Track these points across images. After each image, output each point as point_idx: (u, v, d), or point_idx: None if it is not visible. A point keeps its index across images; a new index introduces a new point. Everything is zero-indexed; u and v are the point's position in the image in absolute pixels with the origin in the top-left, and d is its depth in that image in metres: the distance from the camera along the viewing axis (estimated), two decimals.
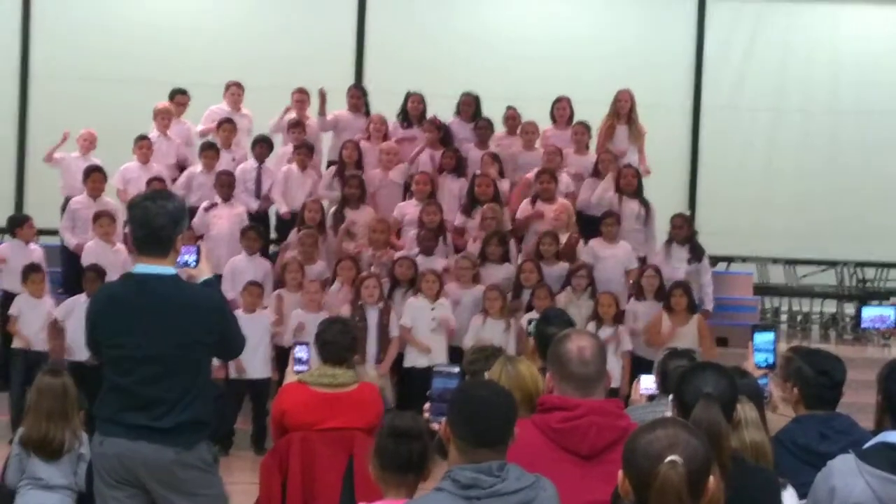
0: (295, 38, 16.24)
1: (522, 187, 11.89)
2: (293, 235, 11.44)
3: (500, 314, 10.47)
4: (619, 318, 10.65)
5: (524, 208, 11.66)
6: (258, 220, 11.96)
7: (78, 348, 9.85)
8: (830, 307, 15.66)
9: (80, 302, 10.24)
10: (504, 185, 11.92)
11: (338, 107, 12.79)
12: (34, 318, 10.58)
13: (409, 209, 11.61)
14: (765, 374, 5.06)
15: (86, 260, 11.01)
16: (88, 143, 12.63)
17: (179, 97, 13.27)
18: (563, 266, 11.10)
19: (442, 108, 12.80)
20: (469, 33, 16.69)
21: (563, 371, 3.95)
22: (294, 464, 6.22)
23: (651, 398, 5.65)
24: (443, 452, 3.74)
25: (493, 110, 12.77)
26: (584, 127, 12.43)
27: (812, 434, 4.66)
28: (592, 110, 12.62)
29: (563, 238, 11.34)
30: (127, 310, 5.00)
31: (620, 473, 2.90)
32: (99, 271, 10.46)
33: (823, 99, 16.82)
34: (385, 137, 12.28)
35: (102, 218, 11.18)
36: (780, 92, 16.88)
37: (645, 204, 11.78)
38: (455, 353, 10.17)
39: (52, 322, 10.58)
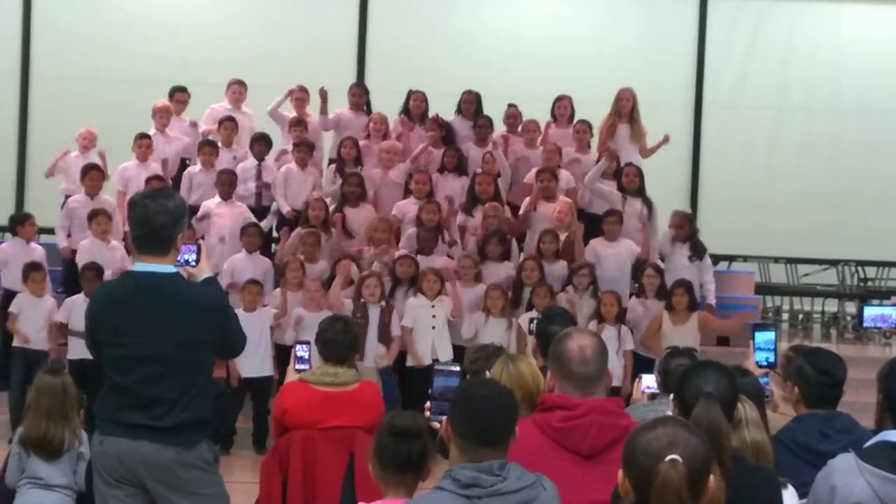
0: (296, 36, 16.24)
1: (525, 191, 11.88)
2: (295, 233, 11.43)
3: (501, 313, 10.47)
4: (621, 317, 10.65)
5: (525, 206, 11.67)
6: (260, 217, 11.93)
7: (80, 346, 9.84)
8: (832, 306, 15.66)
9: (80, 301, 10.24)
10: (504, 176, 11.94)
11: (339, 105, 12.78)
12: (34, 317, 10.57)
13: (409, 208, 11.60)
14: (765, 373, 5.06)
15: (81, 259, 11.00)
16: (88, 142, 12.62)
17: (179, 95, 13.24)
18: (563, 264, 11.09)
19: (443, 107, 12.79)
20: (470, 32, 16.69)
21: (563, 370, 3.95)
22: (295, 463, 6.22)
23: (652, 397, 5.65)
24: (444, 452, 3.74)
25: (494, 109, 12.75)
26: (586, 126, 12.41)
27: (813, 433, 4.66)
28: (594, 109, 12.61)
29: (564, 237, 11.34)
30: (127, 309, 4.99)
31: (620, 473, 2.90)
32: (97, 269, 10.45)
33: (825, 98, 16.81)
34: (385, 137, 12.27)
35: (99, 216, 11.17)
36: (781, 91, 16.87)
37: (647, 202, 11.77)
38: (457, 352, 10.19)
39: (59, 324, 10.57)
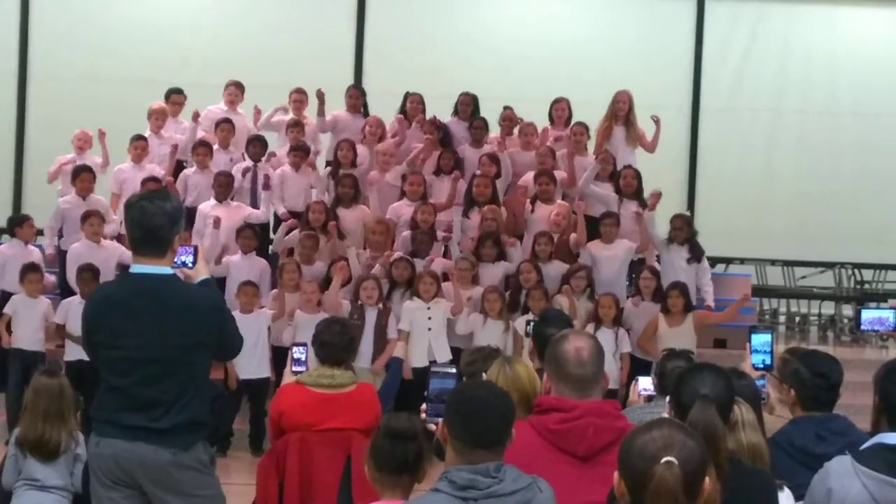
0: (294, 38, 16.25)
1: (521, 193, 11.88)
2: (294, 236, 11.42)
3: (499, 315, 10.48)
4: (618, 319, 10.65)
5: (526, 209, 11.69)
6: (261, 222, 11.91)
7: (77, 348, 9.85)
8: (828, 309, 15.67)
9: (76, 303, 10.23)
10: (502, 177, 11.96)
11: (336, 107, 12.78)
12: (29, 318, 10.57)
13: (403, 210, 11.61)
14: (762, 375, 5.06)
15: (72, 261, 11.01)
16: (83, 143, 12.63)
17: (175, 97, 13.23)
18: (559, 266, 11.09)
19: (441, 109, 12.79)
20: (468, 34, 16.70)
21: (560, 372, 3.95)
22: (291, 465, 6.22)
23: (649, 399, 5.64)
24: (440, 453, 3.74)
25: (492, 111, 12.75)
26: (583, 128, 12.41)
27: (809, 436, 4.66)
28: (592, 111, 12.60)
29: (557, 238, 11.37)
30: (124, 310, 4.98)
31: (616, 474, 2.90)
32: (94, 271, 10.45)
33: (822, 100, 16.83)
34: (381, 139, 12.27)
35: (92, 217, 11.16)
36: (778, 93, 16.89)
37: (644, 205, 11.76)
38: (455, 354, 10.20)
39: (57, 326, 10.57)
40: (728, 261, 15.46)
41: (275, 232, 12.18)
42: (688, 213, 12.91)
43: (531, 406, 4.10)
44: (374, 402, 6.39)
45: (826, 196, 16.61)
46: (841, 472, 3.91)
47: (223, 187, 11.61)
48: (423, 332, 10.47)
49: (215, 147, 12.40)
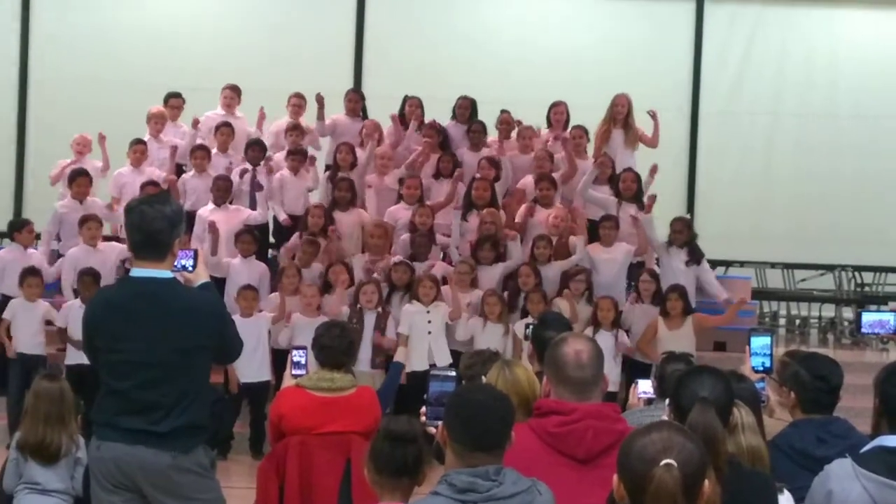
0: (294, 41, 16.26)
1: (518, 196, 11.88)
2: (294, 240, 11.42)
3: (499, 319, 10.48)
4: (617, 322, 10.65)
5: (522, 213, 11.68)
6: (259, 225, 11.91)
7: (78, 351, 9.85)
8: (829, 311, 15.65)
9: (76, 307, 10.23)
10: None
11: (336, 111, 12.79)
12: (29, 322, 10.57)
13: (401, 213, 11.61)
14: (762, 378, 5.06)
15: (69, 265, 11.03)
16: (82, 147, 12.63)
17: (173, 101, 13.24)
18: (557, 268, 11.08)
19: (441, 112, 12.81)
20: (468, 38, 16.70)
21: (559, 375, 3.95)
22: (292, 468, 6.22)
23: (648, 402, 5.64)
24: (440, 457, 3.74)
25: (492, 114, 12.75)
26: (582, 131, 12.41)
27: (809, 438, 4.66)
28: (591, 115, 12.60)
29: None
30: (125, 314, 4.99)
31: (615, 477, 2.90)
32: (94, 275, 10.46)
33: (821, 103, 16.82)
34: (378, 143, 12.27)
35: (89, 222, 11.17)
36: (778, 96, 16.89)
37: (643, 208, 11.76)
38: (454, 357, 10.20)
39: (59, 329, 10.58)
40: (728, 263, 15.45)
41: (273, 235, 12.18)
42: (688, 216, 12.91)
43: (531, 409, 4.10)
44: (373, 406, 6.39)
45: (826, 198, 16.61)
46: (841, 474, 3.92)
47: (221, 191, 11.61)
48: (423, 336, 10.47)
49: (214, 151, 12.40)
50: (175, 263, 5.10)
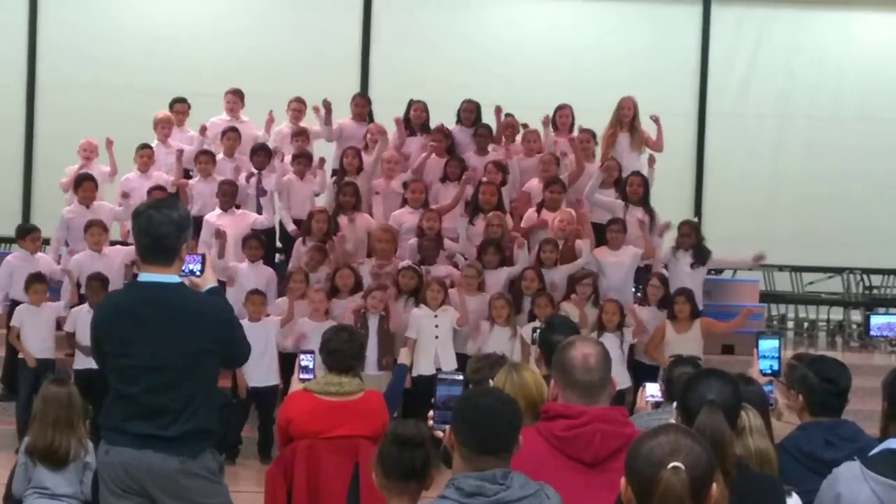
0: (300, 46, 16.28)
1: (524, 199, 11.88)
2: (299, 246, 11.42)
3: (506, 322, 10.49)
4: (622, 325, 10.62)
5: (529, 217, 11.68)
6: (266, 229, 11.91)
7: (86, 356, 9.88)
8: (837, 314, 15.63)
9: (84, 312, 10.26)
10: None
11: (342, 115, 12.80)
12: (37, 327, 10.59)
13: (405, 217, 11.61)
14: (770, 381, 5.06)
15: (74, 271, 11.04)
16: (88, 153, 12.64)
17: (178, 106, 13.24)
18: (563, 272, 11.08)
19: (447, 117, 12.81)
20: (474, 42, 16.70)
21: (567, 378, 3.94)
22: (299, 472, 6.22)
23: (656, 406, 5.64)
24: (448, 461, 3.74)
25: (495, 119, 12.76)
26: (590, 135, 12.42)
27: (817, 441, 4.66)
28: (598, 118, 12.61)
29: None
30: (132, 319, 5.00)
31: (623, 480, 2.90)
32: (102, 280, 10.48)
33: (829, 106, 16.80)
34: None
35: (93, 227, 11.18)
36: (785, 99, 16.87)
37: (650, 212, 11.76)
38: (461, 361, 10.21)
39: (68, 335, 10.59)
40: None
41: (280, 240, 12.18)
42: (695, 220, 12.91)
43: (538, 413, 4.10)
44: (381, 410, 6.39)
45: (834, 201, 16.58)
46: (850, 477, 3.92)
47: (227, 196, 11.61)
48: (430, 340, 10.47)
49: (220, 156, 12.40)
50: (183, 268, 5.11)
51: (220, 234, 11.10)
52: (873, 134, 16.64)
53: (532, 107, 13.00)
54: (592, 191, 11.61)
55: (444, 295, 10.56)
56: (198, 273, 5.18)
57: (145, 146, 12.46)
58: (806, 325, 15.71)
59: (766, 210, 16.57)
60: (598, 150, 12.50)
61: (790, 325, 15.75)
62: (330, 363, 6.36)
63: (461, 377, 4.22)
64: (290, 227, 11.91)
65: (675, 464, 2.76)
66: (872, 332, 6.85)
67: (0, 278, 11.32)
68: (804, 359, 5.03)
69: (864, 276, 16.10)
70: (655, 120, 12.48)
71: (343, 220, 11.46)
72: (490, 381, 4.76)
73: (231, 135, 12.50)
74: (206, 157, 12.16)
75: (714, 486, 2.83)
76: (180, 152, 12.38)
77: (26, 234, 11.50)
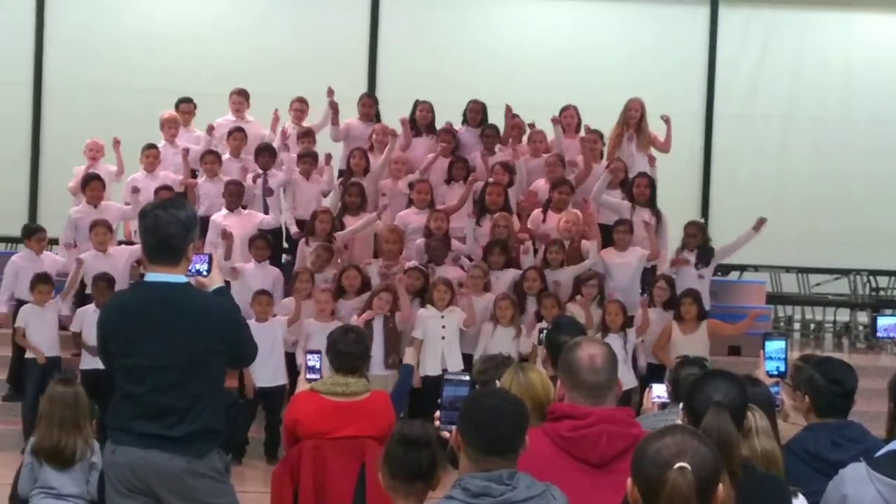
0: (307, 46, 16.27)
1: (531, 200, 11.88)
2: (302, 246, 11.42)
3: (510, 322, 10.48)
4: (626, 326, 10.61)
5: (535, 217, 11.68)
6: (273, 229, 11.91)
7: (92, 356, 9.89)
8: (843, 316, 15.61)
9: (90, 312, 10.27)
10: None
11: (349, 115, 12.81)
12: (42, 326, 10.60)
13: (411, 218, 11.61)
14: (776, 382, 5.05)
15: (82, 271, 11.05)
16: (94, 153, 12.66)
17: (184, 106, 13.24)
18: (570, 273, 11.07)
19: (454, 117, 12.81)
20: (481, 42, 16.69)
21: (573, 379, 3.95)
22: (306, 472, 6.22)
23: (663, 407, 5.64)
24: (454, 461, 3.74)
25: (502, 119, 12.74)
26: (596, 135, 12.41)
27: (824, 442, 4.66)
28: (606, 119, 12.60)
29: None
30: (139, 319, 5.00)
31: (629, 481, 2.90)
32: (108, 280, 10.48)
33: (836, 107, 16.78)
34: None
35: (98, 227, 11.19)
36: (792, 100, 16.85)
37: (657, 213, 11.76)
38: (467, 361, 10.21)
39: (74, 335, 10.61)
40: (742, 268, 15.43)
41: (287, 241, 12.19)
42: (701, 221, 12.90)
43: (545, 413, 4.10)
44: (388, 410, 6.39)
45: (841, 202, 16.56)
46: (856, 478, 3.91)
47: (233, 196, 11.60)
48: (437, 341, 10.47)
49: (226, 156, 12.40)
50: (189, 268, 5.11)
51: (226, 236, 11.11)
52: (881, 135, 16.62)
53: (538, 107, 12.99)
54: (600, 192, 11.60)
55: (451, 295, 10.56)
56: (204, 273, 5.18)
57: (151, 146, 12.47)
58: (812, 326, 15.70)
59: (772, 211, 16.34)
60: (605, 151, 12.49)
61: (797, 326, 15.74)
62: (337, 364, 6.36)
63: (468, 378, 4.22)
64: (293, 230, 11.91)
65: (682, 464, 2.76)
66: (879, 334, 6.83)
67: (6, 278, 11.35)
68: (810, 360, 5.03)
69: (871, 278, 16.09)
70: (666, 120, 12.47)
71: (349, 220, 11.45)
72: (496, 381, 4.76)
73: (237, 135, 12.50)
74: (212, 158, 12.16)
75: (720, 486, 2.83)
76: (186, 151, 12.39)
77: (31, 234, 11.51)
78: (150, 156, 12.37)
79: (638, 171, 11.99)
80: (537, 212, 11.72)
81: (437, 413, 4.13)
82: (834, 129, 16.72)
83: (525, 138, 12.62)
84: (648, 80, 15.20)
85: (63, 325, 10.90)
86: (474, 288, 10.77)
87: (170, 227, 5.00)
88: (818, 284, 16.19)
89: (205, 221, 11.13)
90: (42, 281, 10.70)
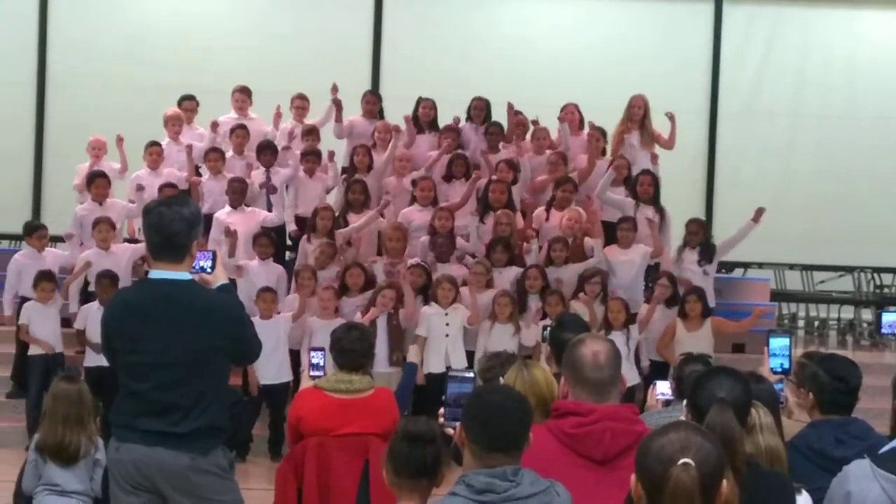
0: (311, 43, 16.29)
1: (535, 195, 11.89)
2: (304, 243, 11.43)
3: (509, 319, 10.48)
4: (628, 323, 10.61)
5: (539, 215, 11.68)
6: (276, 226, 11.92)
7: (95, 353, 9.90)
8: (847, 313, 15.61)
9: (94, 309, 10.28)
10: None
11: (353, 113, 12.81)
12: (44, 323, 10.61)
13: (414, 215, 11.60)
14: (780, 379, 5.05)
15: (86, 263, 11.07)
16: (97, 151, 12.66)
17: (187, 103, 13.24)
18: (574, 270, 11.07)
19: (457, 114, 12.80)
20: (484, 39, 16.71)
21: (577, 376, 3.95)
22: (310, 470, 6.23)
23: (667, 404, 5.64)
24: (458, 458, 3.74)
25: (506, 116, 12.74)
26: (600, 133, 12.41)
27: (828, 439, 4.65)
28: (609, 116, 12.60)
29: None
30: (143, 316, 5.01)
31: (633, 477, 2.90)
32: (112, 277, 10.49)
33: (840, 104, 16.76)
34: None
35: (101, 224, 11.19)
36: (796, 97, 16.84)
37: (660, 211, 11.75)
38: (468, 358, 10.22)
39: (78, 332, 10.62)
40: (746, 265, 15.42)
41: (290, 238, 12.19)
42: (702, 219, 12.89)
43: (549, 410, 4.10)
44: (391, 407, 6.39)
45: (845, 200, 16.54)
46: (860, 475, 3.91)
47: (237, 193, 11.59)
48: (441, 338, 10.47)
49: (229, 154, 12.41)
50: (193, 265, 5.12)
51: (230, 234, 11.11)
52: (886, 132, 16.60)
53: (541, 104, 12.97)
54: (604, 189, 11.60)
55: (455, 293, 10.56)
56: (208, 270, 5.19)
57: (154, 143, 12.47)
58: (816, 323, 15.70)
59: (777, 209, 16.41)
60: (609, 148, 12.48)
61: (801, 323, 15.74)
62: (341, 362, 6.36)
63: (472, 374, 4.22)
64: (291, 228, 11.92)
65: (686, 460, 2.76)
66: (883, 331, 6.84)
67: (9, 277, 11.34)
68: (814, 357, 5.03)
69: (875, 275, 16.08)
70: (671, 117, 12.46)
71: (353, 217, 11.45)
72: (501, 378, 4.76)
73: (240, 132, 12.50)
74: (216, 155, 12.16)
75: (724, 483, 2.83)
76: (190, 147, 12.39)
77: (33, 231, 11.51)
78: (154, 153, 12.37)
79: (641, 169, 11.98)
80: (540, 209, 11.72)
81: (442, 410, 4.13)
82: (838, 127, 16.71)
83: (528, 135, 12.61)
84: (652, 78, 15.19)
85: (67, 322, 10.91)
86: (477, 285, 10.76)
87: (174, 224, 5.00)
88: (822, 282, 16.19)
89: (208, 219, 11.13)
90: (45, 278, 10.71)
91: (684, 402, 4.11)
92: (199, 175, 12.44)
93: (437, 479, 4.03)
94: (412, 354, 8.68)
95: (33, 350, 10.61)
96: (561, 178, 11.68)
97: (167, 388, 4.94)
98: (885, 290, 16.04)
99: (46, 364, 10.36)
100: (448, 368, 9.53)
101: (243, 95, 13.06)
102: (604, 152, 12.46)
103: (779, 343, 5.13)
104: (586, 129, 12.49)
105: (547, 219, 11.64)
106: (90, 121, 14.51)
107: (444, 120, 12.74)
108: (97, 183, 11.76)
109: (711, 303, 11.18)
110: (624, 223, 11.41)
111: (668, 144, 12.56)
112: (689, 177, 16.15)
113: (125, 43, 16.20)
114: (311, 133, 12.50)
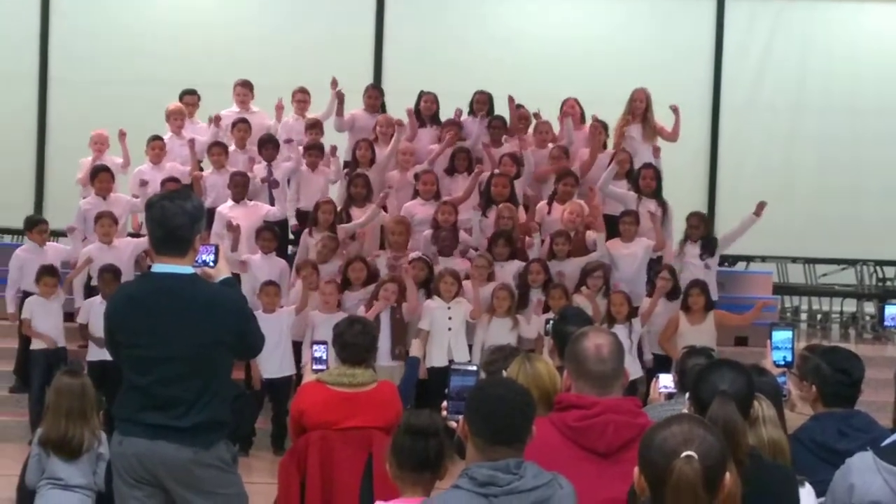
0: (313, 37, 16.28)
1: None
2: (305, 237, 11.42)
3: (507, 313, 10.48)
4: (632, 316, 10.61)
5: (541, 209, 11.67)
6: (279, 221, 11.91)
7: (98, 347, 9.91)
8: (850, 306, 15.60)
9: (97, 303, 10.28)
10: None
11: (355, 106, 12.80)
12: (47, 317, 10.63)
13: (417, 209, 11.59)
14: (783, 372, 5.05)
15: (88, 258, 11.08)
16: (99, 145, 12.64)
17: (188, 97, 13.22)
18: (576, 264, 11.06)
19: (459, 107, 12.78)
20: (487, 33, 16.69)
21: (580, 369, 3.95)
22: (313, 463, 6.22)
23: (669, 397, 5.64)
24: (461, 451, 3.74)
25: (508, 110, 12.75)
26: (602, 126, 12.39)
27: (831, 432, 4.66)
28: (611, 110, 12.58)
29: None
30: (146, 310, 5.01)
31: (636, 470, 2.90)
32: (115, 272, 10.49)
33: (843, 96, 16.72)
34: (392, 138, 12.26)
35: (103, 219, 11.18)
36: (799, 89, 16.81)
37: (662, 204, 11.74)
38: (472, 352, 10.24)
39: (81, 326, 10.63)
40: (749, 258, 15.40)
41: (292, 232, 12.19)
42: (703, 212, 12.88)
43: (552, 403, 4.10)
44: (394, 401, 6.39)
45: (848, 192, 16.52)
46: (863, 468, 3.91)
47: (239, 187, 11.58)
48: (444, 332, 10.47)
49: (232, 148, 12.39)
50: (196, 259, 5.12)
51: (232, 228, 11.11)
52: (888, 125, 16.56)
53: (544, 98, 12.96)
54: (606, 183, 11.58)
55: (458, 287, 10.55)
56: (211, 264, 5.19)
57: (156, 138, 12.46)
58: (819, 316, 15.69)
59: (779, 201, 16.41)
60: (611, 141, 12.47)
61: (803, 316, 15.73)
62: (344, 356, 6.35)
63: (475, 368, 4.22)
64: (292, 223, 11.92)
65: (689, 453, 2.76)
66: (886, 323, 6.83)
67: (11, 272, 11.33)
68: (817, 350, 5.03)
69: (878, 268, 16.05)
70: (675, 109, 12.43)
71: (355, 211, 11.44)
72: (504, 371, 4.76)
73: (241, 126, 12.48)
74: (218, 149, 12.15)
75: (727, 475, 2.83)
76: (192, 141, 12.39)
77: (33, 226, 11.50)
78: (156, 147, 12.36)
79: (643, 162, 11.97)
80: (542, 203, 11.71)
81: (445, 403, 4.14)
82: (841, 119, 16.68)
83: (531, 129, 12.60)
84: (655, 70, 15.17)
85: (70, 317, 10.92)
86: (479, 279, 10.76)
87: (176, 218, 5.01)
88: (825, 275, 16.16)
89: (211, 213, 11.13)
90: (47, 273, 10.71)
91: (687, 395, 4.11)
92: (202, 169, 12.43)
93: (440, 472, 4.03)
94: (415, 348, 8.69)
95: (36, 344, 10.62)
96: (563, 171, 11.68)
97: (170, 382, 4.94)
98: (888, 283, 16.01)
99: (49, 359, 10.37)
100: (451, 362, 9.55)
101: (245, 89, 13.05)
102: (605, 146, 12.44)
103: (781, 336, 5.13)
104: (587, 123, 12.45)
105: (549, 212, 11.63)
106: (92, 115, 14.50)
107: (445, 114, 12.72)
108: (101, 177, 11.76)
109: (714, 296, 11.17)
110: (626, 217, 11.40)
111: (672, 137, 12.55)
112: (691, 170, 16.13)
113: (127, 37, 16.19)
114: (315, 127, 12.49)
